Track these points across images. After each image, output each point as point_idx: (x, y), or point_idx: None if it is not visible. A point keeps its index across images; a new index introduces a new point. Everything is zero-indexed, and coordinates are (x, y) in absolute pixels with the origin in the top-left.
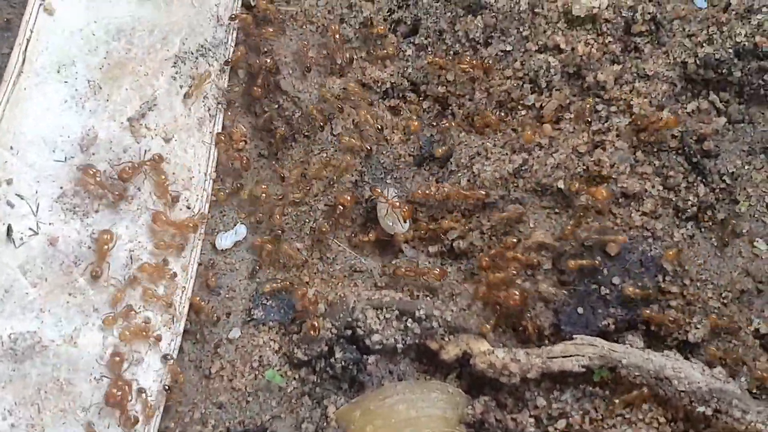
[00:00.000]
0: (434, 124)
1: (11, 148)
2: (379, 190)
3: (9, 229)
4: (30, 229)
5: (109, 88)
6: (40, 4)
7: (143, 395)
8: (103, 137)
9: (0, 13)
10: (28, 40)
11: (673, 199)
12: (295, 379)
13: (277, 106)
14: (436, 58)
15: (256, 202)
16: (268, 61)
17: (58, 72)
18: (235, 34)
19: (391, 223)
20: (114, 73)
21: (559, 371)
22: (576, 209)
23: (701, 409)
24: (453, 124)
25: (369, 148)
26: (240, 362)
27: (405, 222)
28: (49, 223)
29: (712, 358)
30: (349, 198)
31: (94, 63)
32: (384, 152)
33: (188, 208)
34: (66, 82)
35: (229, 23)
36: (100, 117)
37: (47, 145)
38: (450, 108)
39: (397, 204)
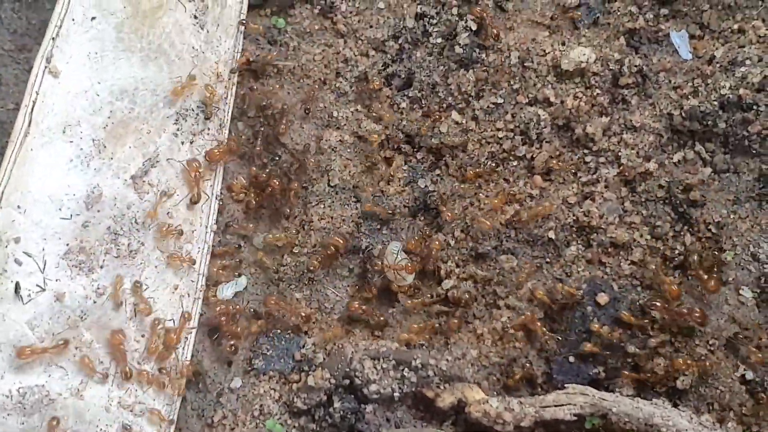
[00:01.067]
0: (428, 175)
1: (18, 207)
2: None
3: (17, 287)
4: (37, 285)
5: (113, 147)
6: (45, 67)
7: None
8: (108, 195)
9: (6, 70)
10: (34, 102)
11: (661, 248)
12: (294, 427)
13: (275, 158)
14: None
15: (256, 253)
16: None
17: (64, 132)
18: (234, 90)
19: (394, 257)
20: (118, 132)
21: (552, 419)
22: (567, 259)
23: None
24: (446, 174)
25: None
26: (241, 411)
27: (410, 275)
28: (56, 280)
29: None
30: (341, 241)
31: (98, 123)
32: (380, 203)
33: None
34: (71, 141)
35: (229, 78)
36: (104, 175)
37: (53, 204)
38: (443, 159)
39: (406, 266)
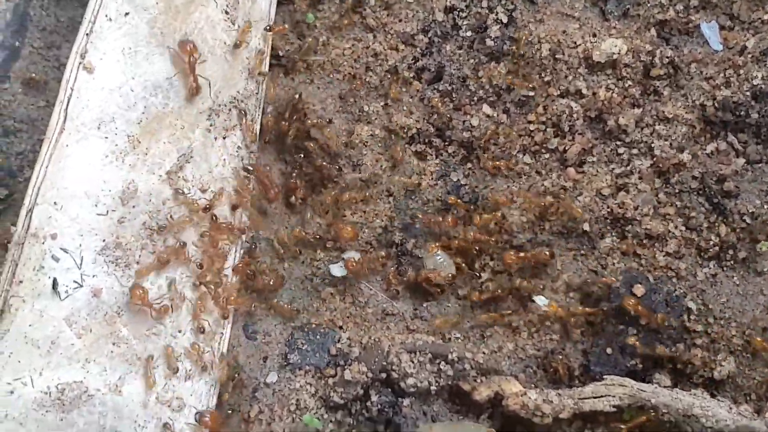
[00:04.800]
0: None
1: (55, 203)
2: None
3: (54, 283)
4: (74, 281)
5: (147, 142)
6: (80, 63)
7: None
8: (143, 190)
9: (35, 68)
10: (69, 98)
11: (696, 239)
12: (331, 422)
13: (306, 152)
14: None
15: (285, 246)
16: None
17: (99, 128)
18: (265, 85)
19: (443, 269)
20: (152, 127)
21: (590, 411)
22: (601, 251)
23: None
24: (478, 168)
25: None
26: (278, 406)
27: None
28: (93, 276)
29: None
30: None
31: (132, 118)
32: (412, 197)
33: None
34: (106, 137)
35: (259, 72)
36: (139, 170)
37: (89, 200)
38: (475, 152)
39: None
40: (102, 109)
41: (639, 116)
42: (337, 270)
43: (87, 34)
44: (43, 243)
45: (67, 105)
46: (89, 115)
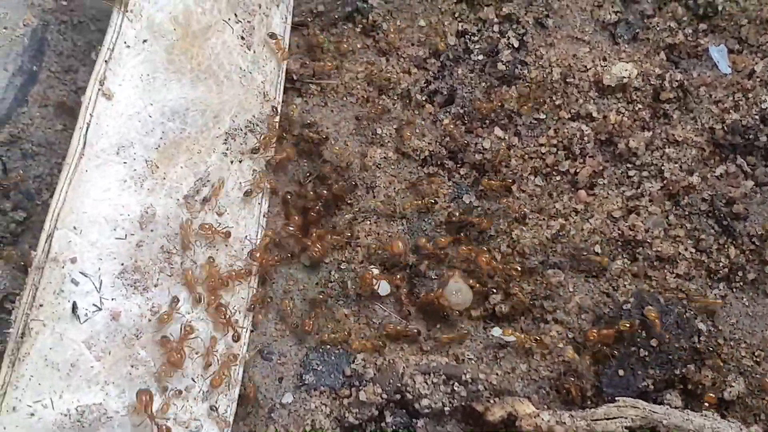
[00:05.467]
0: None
1: (74, 228)
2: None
3: (74, 306)
4: (94, 305)
5: (165, 167)
6: (99, 89)
7: None
8: (161, 214)
9: (53, 91)
10: (89, 124)
11: (705, 261)
12: None
13: (319, 175)
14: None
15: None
16: (312, 133)
17: (117, 153)
18: (279, 109)
19: (459, 300)
20: (170, 152)
21: None
22: (612, 273)
23: None
24: (490, 190)
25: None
26: (293, 427)
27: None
28: (112, 299)
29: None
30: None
31: (150, 143)
32: (425, 219)
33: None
34: (125, 162)
35: (275, 98)
36: (157, 195)
37: (108, 224)
38: (487, 175)
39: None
40: (121, 134)
41: (649, 139)
42: (383, 289)
43: (106, 61)
44: (63, 267)
45: (87, 131)
46: (108, 141)
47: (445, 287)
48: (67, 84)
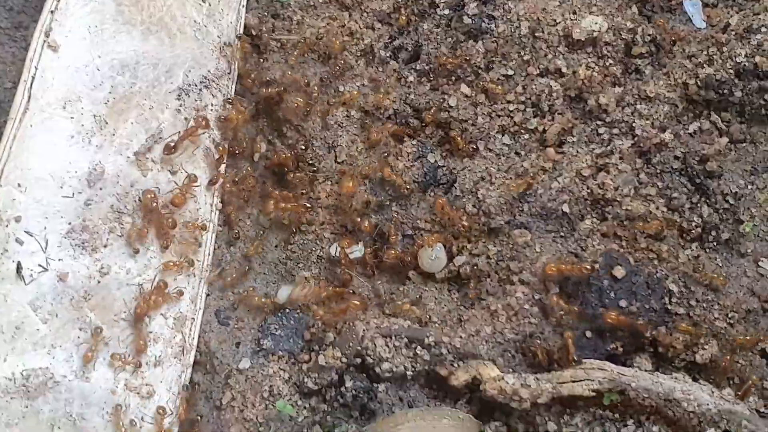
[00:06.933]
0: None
1: (19, 185)
2: None
3: (19, 266)
4: (39, 265)
5: (114, 123)
6: (44, 41)
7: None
8: (111, 172)
9: (2, 48)
10: (33, 77)
11: (678, 220)
12: (305, 408)
13: (280, 135)
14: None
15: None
16: (272, 91)
17: (64, 108)
18: (236, 65)
19: (435, 266)
20: (119, 107)
21: (569, 395)
22: (581, 232)
23: (711, 430)
24: (456, 149)
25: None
26: (251, 393)
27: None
28: (59, 259)
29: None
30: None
31: (99, 98)
32: (388, 179)
33: (195, 239)
34: (72, 117)
35: (233, 51)
36: (106, 152)
37: (55, 181)
38: (453, 133)
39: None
40: (68, 88)
41: (620, 95)
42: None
43: (51, 12)
44: (7, 226)
45: (32, 84)
46: (54, 94)
47: (422, 250)
48: (17, 41)
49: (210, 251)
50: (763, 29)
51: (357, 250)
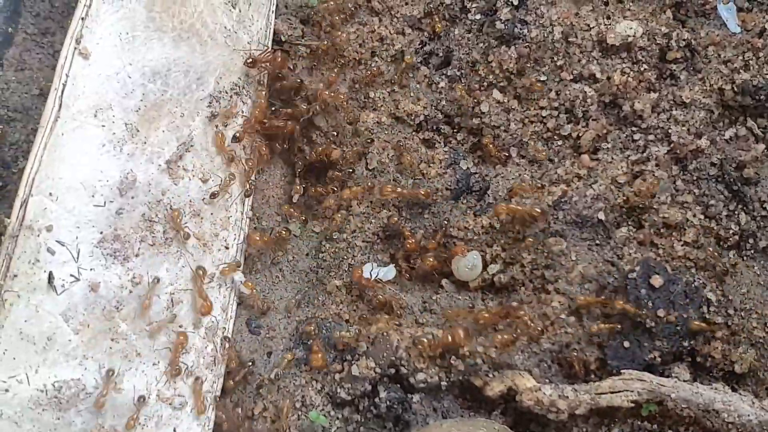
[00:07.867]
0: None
1: (50, 194)
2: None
3: (50, 277)
4: (71, 275)
5: (146, 131)
6: (75, 48)
7: None
8: (142, 180)
9: (29, 54)
10: (64, 85)
11: (715, 227)
12: (338, 419)
13: (310, 141)
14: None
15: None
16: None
17: (95, 116)
18: (266, 73)
19: (471, 275)
20: (150, 115)
21: (607, 406)
22: (617, 241)
23: None
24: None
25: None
26: (282, 403)
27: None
28: (90, 269)
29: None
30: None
31: (130, 106)
32: (421, 186)
33: (226, 248)
34: (103, 126)
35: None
36: (138, 160)
37: (86, 190)
38: (485, 140)
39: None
40: (99, 96)
41: (655, 101)
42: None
43: (82, 18)
44: (38, 235)
45: (62, 92)
46: (85, 102)
47: (456, 258)
48: (44, 47)
49: (241, 259)
50: None
51: (388, 271)
